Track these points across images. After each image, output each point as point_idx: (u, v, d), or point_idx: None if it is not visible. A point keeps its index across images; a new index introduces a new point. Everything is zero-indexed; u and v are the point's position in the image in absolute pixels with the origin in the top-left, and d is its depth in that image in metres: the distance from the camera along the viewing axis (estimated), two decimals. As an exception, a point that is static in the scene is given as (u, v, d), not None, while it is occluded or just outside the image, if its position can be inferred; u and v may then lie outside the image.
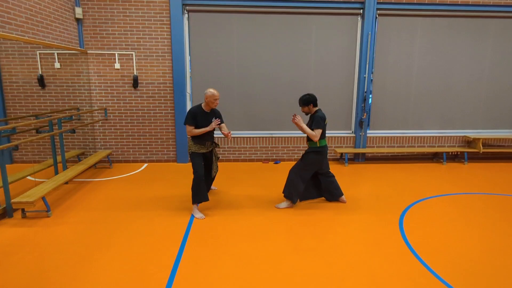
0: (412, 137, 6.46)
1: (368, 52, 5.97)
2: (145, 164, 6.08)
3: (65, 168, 4.85)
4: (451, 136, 6.50)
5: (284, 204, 4.00)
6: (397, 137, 6.45)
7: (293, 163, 6.22)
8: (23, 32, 4.28)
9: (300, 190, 3.93)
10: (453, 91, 6.38)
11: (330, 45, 6.06)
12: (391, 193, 4.56)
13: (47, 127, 4.82)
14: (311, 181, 4.09)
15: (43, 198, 3.75)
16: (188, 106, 6.10)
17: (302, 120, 3.79)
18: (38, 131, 5.01)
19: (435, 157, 6.59)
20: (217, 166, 4.12)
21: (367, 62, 6.02)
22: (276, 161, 6.30)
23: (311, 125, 3.81)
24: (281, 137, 6.28)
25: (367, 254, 2.97)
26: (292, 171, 3.94)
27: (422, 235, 3.34)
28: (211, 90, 3.72)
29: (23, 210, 3.71)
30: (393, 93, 6.32)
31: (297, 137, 6.29)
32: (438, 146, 6.52)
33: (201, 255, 2.94)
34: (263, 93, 6.16)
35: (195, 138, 3.78)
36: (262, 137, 6.26)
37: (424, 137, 6.47)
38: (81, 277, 2.61)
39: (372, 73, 6.17)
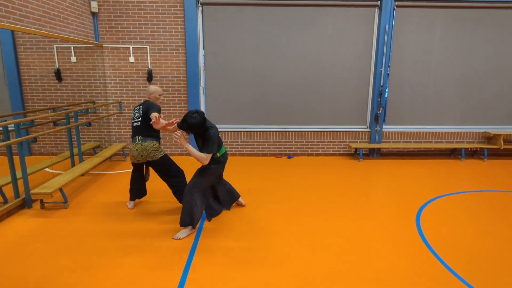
0: (429, 132, 6.30)
1: (385, 45, 5.82)
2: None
3: (81, 160, 4.94)
4: (470, 132, 6.30)
5: (185, 231, 3.16)
6: (413, 132, 6.29)
7: (307, 158, 6.17)
8: (41, 25, 4.34)
9: (200, 211, 3.23)
10: (474, 85, 6.17)
11: (345, 38, 5.93)
12: (408, 190, 4.46)
13: (64, 120, 4.90)
14: (210, 197, 3.54)
15: (60, 189, 3.83)
16: (202, 100, 6.10)
17: (184, 137, 3.08)
18: (55, 123, 5.10)
19: (453, 153, 6.41)
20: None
21: (384, 56, 5.87)
22: (289, 156, 6.25)
23: (202, 145, 3.14)
24: (295, 131, 6.22)
25: (383, 251, 2.91)
26: (190, 193, 3.17)
27: (440, 232, 3.25)
28: (156, 86, 3.70)
29: (41, 201, 3.79)
30: (410, 87, 6.15)
31: (311, 131, 6.22)
32: (456, 142, 6.33)
33: (214, 244, 2.94)
34: (277, 86, 6.09)
35: None
36: (275, 132, 6.21)
37: (442, 132, 6.29)
38: (97, 267, 2.65)
39: (388, 66, 6.02)
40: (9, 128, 3.56)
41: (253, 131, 6.19)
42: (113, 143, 6.19)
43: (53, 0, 4.57)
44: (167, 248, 2.95)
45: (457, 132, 6.30)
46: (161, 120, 3.29)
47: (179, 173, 3.67)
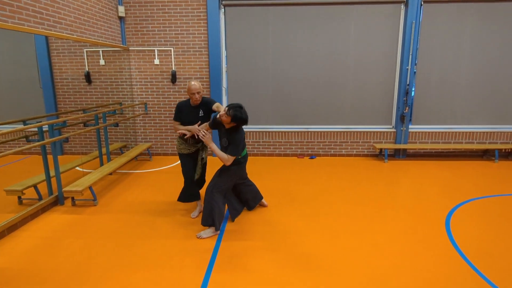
0: (459, 132, 6.03)
1: (412, 43, 5.63)
2: (182, 157, 6.25)
3: (109, 159, 5.12)
4: (504, 132, 5.98)
5: (208, 232, 3.19)
6: (442, 132, 6.05)
7: (329, 158, 6.09)
8: (72, 31, 4.54)
9: (222, 211, 3.23)
10: (508, 83, 5.84)
11: (370, 36, 5.80)
12: (436, 192, 4.30)
13: (93, 121, 5.10)
14: (232, 197, 3.54)
15: (90, 187, 3.99)
16: (224, 101, 6.16)
17: (211, 137, 3.09)
18: (85, 124, 5.32)
19: (485, 155, 6.11)
20: (202, 170, 3.66)
21: (410, 53, 5.68)
22: (312, 156, 6.19)
23: (227, 146, 3.10)
24: (317, 131, 6.15)
25: (411, 255, 2.82)
26: (210, 193, 3.19)
27: (471, 237, 3.11)
28: (190, 82, 3.28)
29: (72, 198, 3.97)
30: (438, 85, 5.92)
31: (333, 131, 6.13)
32: (489, 143, 6.03)
33: (236, 246, 2.96)
34: (299, 86, 6.05)
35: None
36: (297, 132, 6.17)
37: (473, 132, 6.01)
38: (124, 263, 2.74)
39: (415, 64, 5.82)
40: (43, 129, 3.75)
41: (275, 131, 6.18)
42: (139, 143, 6.38)
43: (83, 6, 4.77)
44: (191, 248, 3.00)
45: (490, 132, 5.99)
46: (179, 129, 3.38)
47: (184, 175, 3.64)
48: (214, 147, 3.06)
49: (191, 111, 3.38)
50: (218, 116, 3.06)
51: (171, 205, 3.94)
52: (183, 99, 3.57)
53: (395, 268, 2.64)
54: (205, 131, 3.04)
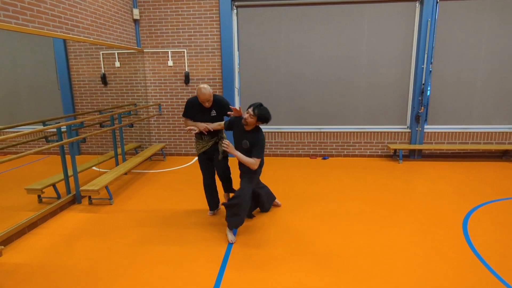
0: (477, 133, 5.87)
1: (427, 41, 5.52)
2: (196, 158, 6.31)
3: (124, 160, 5.23)
4: (525, 132, 5.79)
5: (231, 236, 3.12)
6: (459, 132, 5.90)
7: (343, 159, 6.03)
8: (89, 34, 4.65)
9: (245, 214, 3.18)
10: (529, 81, 5.66)
11: (383, 35, 5.72)
12: (453, 194, 4.20)
13: (109, 122, 5.21)
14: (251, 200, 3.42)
15: (106, 187, 4.08)
16: (237, 101, 6.19)
17: (233, 146, 3.04)
18: (101, 125, 5.44)
19: (505, 156, 5.93)
20: (225, 167, 3.49)
21: (426, 52, 5.57)
22: (324, 157, 6.15)
23: (251, 148, 3.01)
24: (330, 132, 6.10)
25: (427, 257, 2.77)
26: (238, 197, 3.06)
27: (489, 240, 3.03)
28: (200, 89, 3.11)
29: (89, 197, 4.07)
30: (455, 84, 5.79)
31: (347, 132, 6.07)
32: (509, 143, 5.85)
33: (249, 243, 2.97)
34: (312, 86, 6.02)
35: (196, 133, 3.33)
36: (310, 132, 6.14)
37: (491, 133, 5.84)
38: (138, 260, 2.79)
39: (431, 63, 5.71)
40: (62, 130, 3.86)
41: (288, 132, 6.17)
42: (153, 143, 6.48)
43: (99, 9, 4.88)
44: (205, 246, 3.03)
45: (509, 133, 5.81)
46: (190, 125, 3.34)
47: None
48: (239, 154, 3.01)
49: (202, 111, 3.29)
50: (243, 120, 3.00)
51: (185, 204, 3.98)
52: (193, 96, 3.40)
53: (410, 270, 2.59)
54: (226, 143, 2.97)
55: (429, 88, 5.81)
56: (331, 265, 2.68)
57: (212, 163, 3.52)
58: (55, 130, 3.81)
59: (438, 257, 2.77)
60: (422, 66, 5.63)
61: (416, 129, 5.88)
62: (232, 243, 3.04)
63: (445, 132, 5.92)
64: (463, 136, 5.92)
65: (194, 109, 3.31)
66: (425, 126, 5.93)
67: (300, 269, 2.64)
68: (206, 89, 3.12)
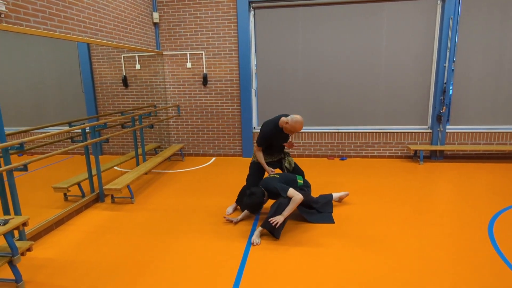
0: (502, 133, 5.67)
1: (449, 39, 5.38)
2: (214, 158, 6.39)
3: (144, 160, 5.36)
4: (554, 132, 5.54)
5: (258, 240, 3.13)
6: (483, 133, 5.71)
7: (361, 160, 5.96)
8: (111, 38, 4.81)
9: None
10: (559, 79, 5.42)
11: (403, 33, 5.61)
12: (478, 196, 4.07)
13: (130, 123, 5.35)
14: None
15: (128, 186, 4.20)
16: (254, 102, 6.22)
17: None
18: (123, 126, 5.60)
19: (532, 157, 5.69)
20: (291, 163, 3.79)
21: (448, 50, 5.43)
22: (342, 158, 6.09)
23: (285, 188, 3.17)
24: (348, 132, 6.04)
25: (450, 261, 2.70)
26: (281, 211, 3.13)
27: (517, 244, 2.92)
28: (297, 122, 3.30)
29: (112, 196, 4.20)
30: (479, 83, 5.61)
31: (365, 132, 5.99)
32: (537, 144, 5.62)
33: (269, 239, 2.99)
34: (329, 86, 5.98)
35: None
36: (328, 132, 6.10)
37: (518, 133, 5.62)
38: (159, 258, 2.86)
39: (453, 62, 5.56)
40: (86, 130, 4.00)
41: (305, 132, 6.15)
42: (172, 144, 6.61)
43: (121, 14, 5.03)
44: (224, 245, 3.07)
45: (538, 133, 5.58)
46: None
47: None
48: (287, 213, 3.13)
49: (281, 136, 3.54)
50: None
51: (203, 203, 4.04)
52: (268, 124, 3.50)
53: (435, 273, 2.54)
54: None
55: (451, 87, 5.65)
56: (351, 273, 2.66)
57: (263, 175, 3.70)
58: (79, 131, 3.95)
59: (463, 261, 2.70)
60: (444, 65, 5.49)
61: (438, 129, 5.73)
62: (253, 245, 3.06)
63: (468, 133, 5.75)
64: (487, 136, 5.72)
65: (276, 136, 3.51)
66: (447, 126, 5.78)
67: (318, 270, 2.63)
68: (302, 121, 3.34)
